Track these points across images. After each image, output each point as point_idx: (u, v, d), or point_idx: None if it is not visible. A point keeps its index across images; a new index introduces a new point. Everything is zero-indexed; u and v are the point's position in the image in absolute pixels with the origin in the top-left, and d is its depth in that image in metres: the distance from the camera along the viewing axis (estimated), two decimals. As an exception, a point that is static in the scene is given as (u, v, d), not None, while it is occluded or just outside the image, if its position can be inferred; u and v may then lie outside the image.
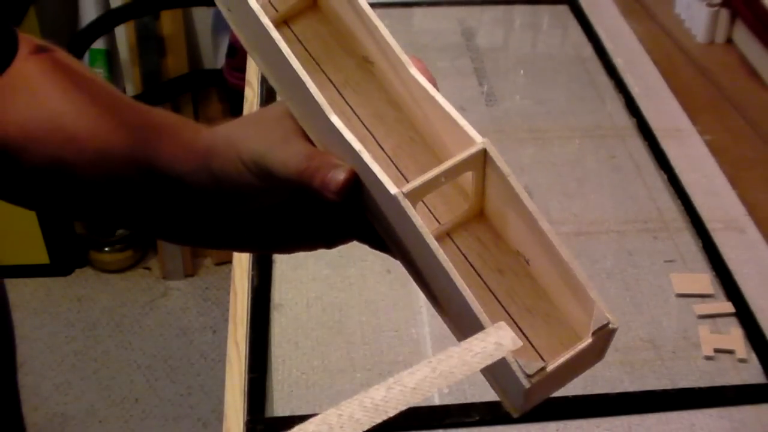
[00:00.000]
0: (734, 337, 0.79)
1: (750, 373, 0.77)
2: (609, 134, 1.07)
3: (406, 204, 0.39)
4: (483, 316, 0.37)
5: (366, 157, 0.40)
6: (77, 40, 1.90)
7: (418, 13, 1.33)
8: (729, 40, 1.26)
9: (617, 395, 0.75)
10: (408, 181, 0.40)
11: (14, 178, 0.51)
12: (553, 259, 0.39)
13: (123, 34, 2.01)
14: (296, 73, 0.42)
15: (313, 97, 0.41)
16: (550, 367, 0.37)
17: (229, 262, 0.88)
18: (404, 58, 0.43)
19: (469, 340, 0.35)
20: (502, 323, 0.36)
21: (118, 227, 0.53)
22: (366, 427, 0.32)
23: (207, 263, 2.15)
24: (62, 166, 0.49)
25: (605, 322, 0.37)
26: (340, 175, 0.40)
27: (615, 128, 1.08)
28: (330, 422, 0.31)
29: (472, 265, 0.42)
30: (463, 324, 0.40)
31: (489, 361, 0.34)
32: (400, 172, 0.44)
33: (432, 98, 0.42)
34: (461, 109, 0.39)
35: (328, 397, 0.74)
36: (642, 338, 0.80)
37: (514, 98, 1.14)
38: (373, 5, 0.43)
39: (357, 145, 0.40)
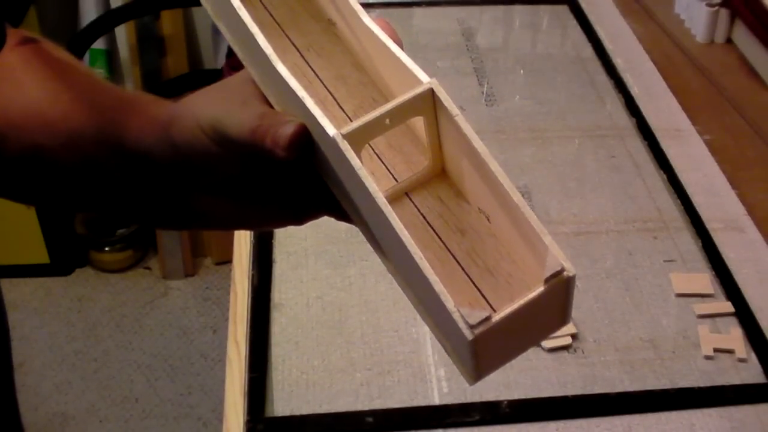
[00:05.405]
0: (734, 336, 0.80)
1: (750, 373, 0.77)
2: (609, 134, 1.07)
3: (345, 146, 0.36)
4: (433, 277, 0.34)
5: (309, 103, 0.38)
6: (77, 40, 1.90)
7: (418, 13, 1.33)
8: (729, 40, 1.26)
9: (617, 395, 0.75)
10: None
11: None
12: (505, 207, 0.37)
13: (123, 34, 2.01)
14: (248, 29, 0.40)
15: (262, 49, 0.40)
16: (496, 318, 0.34)
17: (229, 261, 0.88)
18: (358, 8, 0.41)
19: None
20: None
21: (93, 212, 0.53)
22: None
23: (207, 263, 2.15)
24: (38, 152, 0.49)
25: (559, 269, 0.34)
26: (288, 129, 0.39)
27: (615, 128, 1.08)
28: None
29: (431, 226, 0.40)
30: (421, 292, 0.37)
31: None
32: None
33: (383, 44, 0.40)
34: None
35: (328, 396, 0.74)
36: (642, 338, 0.80)
37: (514, 98, 1.14)
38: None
39: (300, 92, 0.38)
